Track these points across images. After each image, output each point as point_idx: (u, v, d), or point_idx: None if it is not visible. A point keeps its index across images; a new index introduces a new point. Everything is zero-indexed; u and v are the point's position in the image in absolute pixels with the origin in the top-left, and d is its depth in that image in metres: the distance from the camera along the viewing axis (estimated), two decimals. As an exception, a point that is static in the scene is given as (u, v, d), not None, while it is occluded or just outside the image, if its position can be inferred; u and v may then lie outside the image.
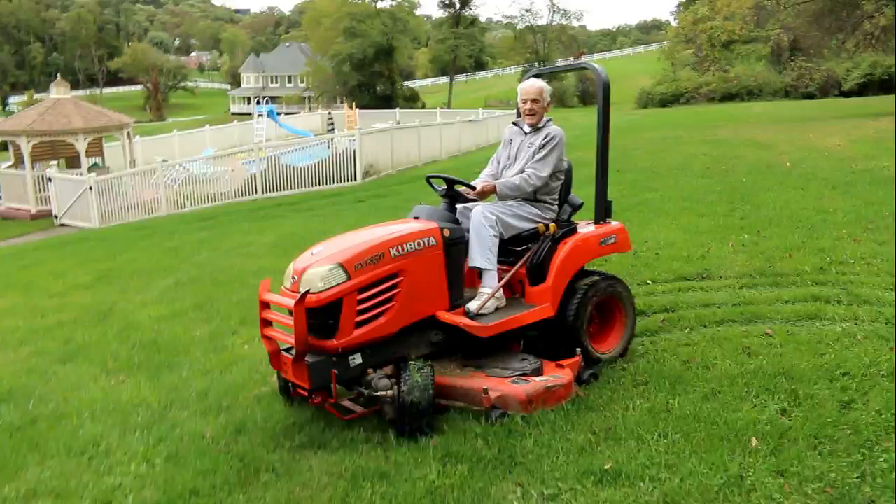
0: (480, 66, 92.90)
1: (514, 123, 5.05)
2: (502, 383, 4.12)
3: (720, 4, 50.73)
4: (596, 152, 4.97)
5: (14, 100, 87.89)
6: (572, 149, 19.11)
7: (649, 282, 6.52)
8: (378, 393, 3.98)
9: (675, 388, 4.22)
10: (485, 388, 4.03)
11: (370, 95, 68.07)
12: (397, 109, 44.89)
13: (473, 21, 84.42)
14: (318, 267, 4.05)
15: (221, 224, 14.64)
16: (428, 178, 4.97)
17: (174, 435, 4.27)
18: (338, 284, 3.98)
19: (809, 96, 54.38)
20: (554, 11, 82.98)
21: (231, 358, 5.63)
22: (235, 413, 4.50)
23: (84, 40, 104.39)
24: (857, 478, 3.18)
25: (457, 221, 4.52)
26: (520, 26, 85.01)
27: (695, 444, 3.55)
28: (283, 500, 3.47)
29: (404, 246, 4.18)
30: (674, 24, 76.34)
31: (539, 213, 4.79)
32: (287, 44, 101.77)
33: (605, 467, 3.40)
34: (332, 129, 36.50)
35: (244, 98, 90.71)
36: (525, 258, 4.63)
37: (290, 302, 3.91)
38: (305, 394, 4.12)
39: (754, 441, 3.52)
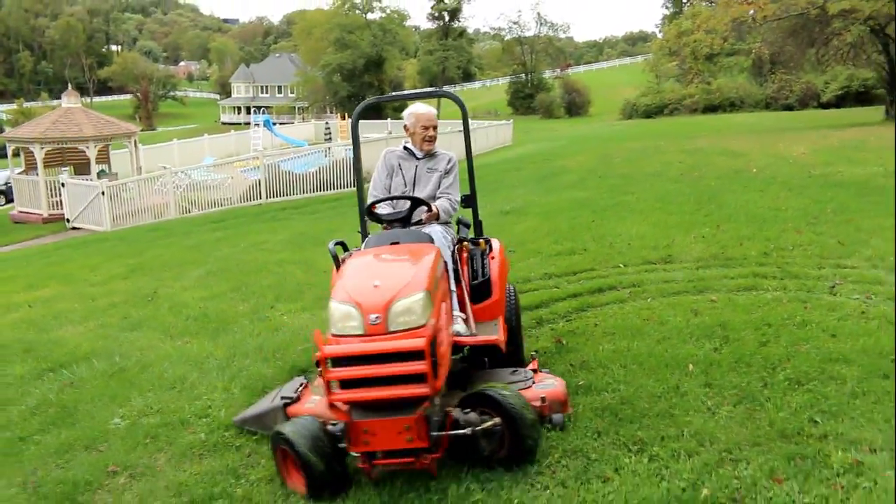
0: (469, 77, 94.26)
1: (405, 148, 4.91)
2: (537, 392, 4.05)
3: (701, 19, 52.24)
4: (468, 174, 5.12)
5: (3, 108, 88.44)
6: (558, 157, 20.52)
7: (621, 265, 7.72)
8: (485, 425, 3.53)
9: (635, 336, 5.41)
10: (542, 396, 3.99)
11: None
12: (388, 120, 46.15)
13: (462, 33, 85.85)
14: (411, 296, 3.47)
15: (233, 226, 15.79)
16: (374, 203, 4.62)
17: (243, 374, 5.42)
18: (431, 314, 3.52)
19: (789, 108, 55.85)
20: (541, 24, 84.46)
21: (274, 325, 6.78)
22: (287, 360, 5.64)
23: (73, 49, 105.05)
24: (762, 385, 4.39)
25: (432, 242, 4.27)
26: (508, 38, 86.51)
27: (646, 369, 4.75)
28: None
29: (439, 269, 3.95)
30: (659, 36, 78.00)
31: (453, 235, 4.76)
32: (277, 54, 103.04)
33: (579, 383, 4.60)
34: (330, 139, 37.74)
35: (235, 108, 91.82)
36: (471, 276, 4.59)
37: (410, 343, 3.33)
38: (404, 461, 3.52)
39: (691, 366, 4.72)
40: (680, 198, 11.69)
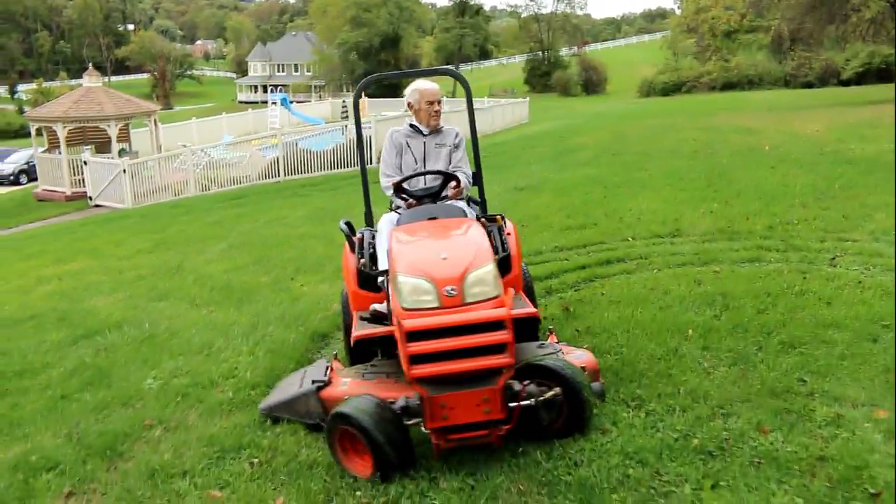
0: (485, 54, 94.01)
1: (411, 126, 4.85)
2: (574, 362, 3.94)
3: (718, -6, 51.82)
4: (473, 153, 4.95)
5: (23, 87, 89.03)
6: (574, 135, 20.68)
7: (630, 238, 7.95)
8: (546, 396, 3.56)
9: (639, 304, 5.66)
10: (582, 366, 3.90)
11: (377, 84, 69.32)
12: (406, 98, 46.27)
13: (478, 10, 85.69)
14: (482, 267, 3.50)
15: (252, 202, 16.11)
16: (406, 179, 4.52)
17: (266, 340, 5.73)
18: (500, 284, 3.56)
19: (809, 85, 55.40)
20: (558, 0, 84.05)
21: (295, 295, 7.11)
22: (309, 327, 5.94)
23: (90, 28, 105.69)
24: (757, 348, 4.64)
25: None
26: (524, 15, 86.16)
27: (648, 334, 5.00)
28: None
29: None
30: (678, 12, 77.46)
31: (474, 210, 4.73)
32: (293, 32, 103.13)
33: (584, 348, 4.86)
34: (346, 117, 37.98)
35: (251, 86, 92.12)
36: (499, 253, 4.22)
37: (494, 313, 3.38)
38: (477, 434, 3.50)
39: (690, 332, 4.98)
40: (692, 174, 11.86)
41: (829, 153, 13.50)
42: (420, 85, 4.82)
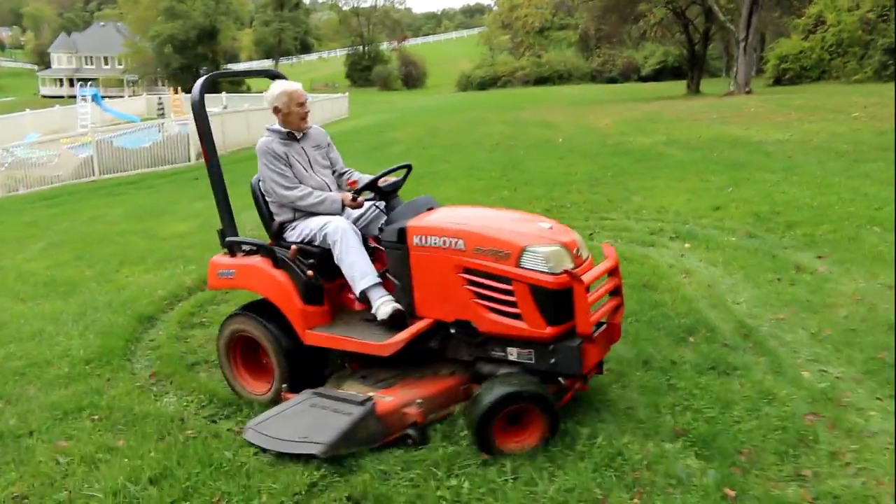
0: (306, 48, 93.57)
1: (281, 133, 4.61)
2: None
3: (529, -6, 54.78)
4: None
5: None
6: (391, 129, 21.85)
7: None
8: None
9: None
10: None
11: (194, 78, 67.07)
12: (223, 94, 45.65)
13: (298, 3, 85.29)
14: (575, 234, 4.04)
15: (67, 202, 15.93)
16: (379, 178, 4.42)
17: (96, 324, 6.27)
18: None
19: (613, 80, 59.88)
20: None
21: (121, 285, 7.60)
22: (136, 311, 6.51)
23: None
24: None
25: None
26: (345, 9, 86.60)
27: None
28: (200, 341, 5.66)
29: None
30: (494, 9, 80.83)
31: None
32: (101, 23, 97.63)
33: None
34: (163, 114, 37.10)
35: (56, 80, 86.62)
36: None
37: (615, 262, 4.06)
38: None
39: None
40: (490, 165, 13.24)
41: (611, 145, 15.39)
42: (286, 87, 4.58)
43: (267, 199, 4.66)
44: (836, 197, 9.01)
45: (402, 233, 4.05)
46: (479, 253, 3.81)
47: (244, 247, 4.66)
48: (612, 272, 4.07)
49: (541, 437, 3.67)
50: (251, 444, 3.85)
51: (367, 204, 4.63)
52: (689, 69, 38.78)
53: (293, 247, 4.36)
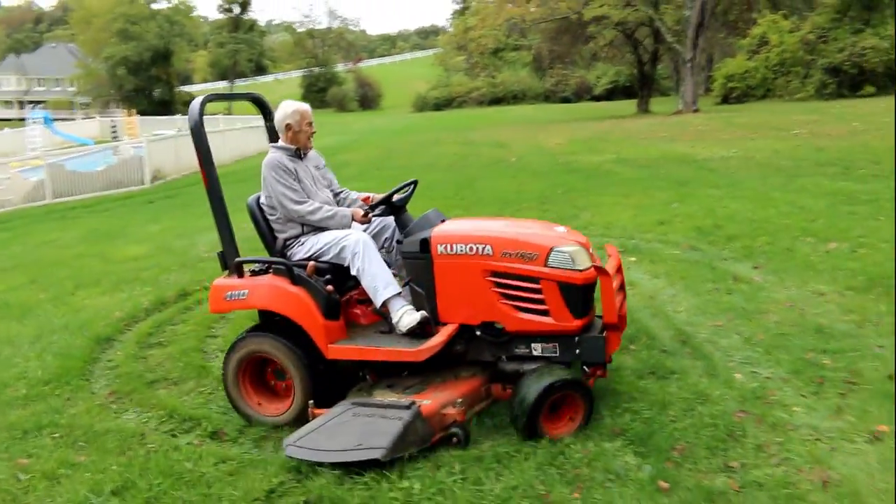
0: (261, 70, 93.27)
1: (290, 150, 4.69)
2: None
3: (482, 16, 55.61)
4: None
5: None
6: (345, 151, 21.99)
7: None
8: None
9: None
10: None
11: (148, 100, 67.01)
12: (178, 116, 45.35)
13: (252, 25, 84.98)
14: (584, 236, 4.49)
15: (18, 226, 15.78)
16: (393, 194, 4.67)
17: (53, 346, 6.31)
18: None
19: (567, 100, 60.77)
20: (332, 18, 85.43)
21: (77, 307, 7.65)
22: (94, 332, 6.57)
23: None
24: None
25: None
26: (300, 30, 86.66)
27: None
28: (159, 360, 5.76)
29: None
30: (449, 30, 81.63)
31: None
32: (52, 44, 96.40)
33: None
34: (117, 137, 36.76)
35: (5, 102, 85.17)
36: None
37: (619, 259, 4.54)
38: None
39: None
40: (444, 185, 13.50)
41: (561, 164, 15.79)
42: (298, 106, 4.70)
43: (269, 215, 4.69)
44: (775, 210, 9.44)
45: (426, 243, 4.25)
46: (506, 256, 4.11)
47: (253, 266, 4.65)
48: (618, 269, 4.45)
49: (581, 421, 4.01)
50: (295, 460, 3.83)
51: (375, 220, 4.78)
52: (640, 89, 39.72)
53: (311, 263, 4.44)
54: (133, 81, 67.62)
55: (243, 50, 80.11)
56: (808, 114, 24.56)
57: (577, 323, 4.10)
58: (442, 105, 64.32)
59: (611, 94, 59.01)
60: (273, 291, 4.41)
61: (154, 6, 72.43)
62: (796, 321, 5.53)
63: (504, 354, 4.30)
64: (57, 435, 4.55)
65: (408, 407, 3.92)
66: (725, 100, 38.63)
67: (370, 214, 4.58)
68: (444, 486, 3.56)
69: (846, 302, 5.89)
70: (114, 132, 39.87)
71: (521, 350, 4.25)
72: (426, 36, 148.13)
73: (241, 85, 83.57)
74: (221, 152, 27.66)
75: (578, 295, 4.09)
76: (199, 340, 6.19)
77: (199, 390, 5.13)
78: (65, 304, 7.88)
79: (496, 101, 63.57)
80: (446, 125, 35.79)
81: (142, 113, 49.30)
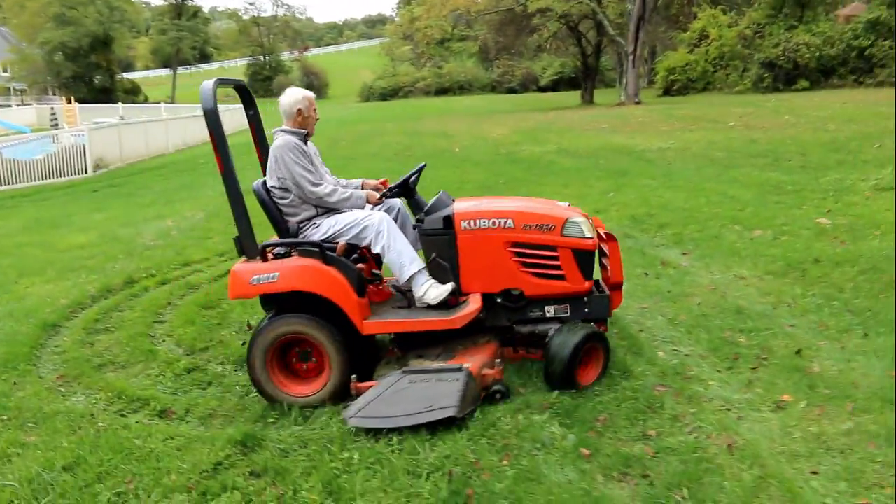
0: (205, 57, 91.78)
1: (294, 133, 4.83)
2: None
3: (427, 6, 55.70)
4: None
5: None
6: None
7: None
8: None
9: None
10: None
11: (87, 88, 65.29)
12: (119, 105, 44.45)
13: (196, 12, 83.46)
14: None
15: (-47, 216, 15.44)
16: (410, 177, 4.95)
17: (4, 330, 6.37)
18: None
19: (513, 91, 61.27)
20: (277, 5, 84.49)
21: (21, 295, 7.65)
22: (40, 319, 6.62)
23: None
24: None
25: None
26: (245, 18, 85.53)
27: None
28: (107, 344, 5.86)
29: None
30: (396, 20, 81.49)
31: None
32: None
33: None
34: (56, 125, 35.89)
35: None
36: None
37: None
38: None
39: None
40: (388, 174, 13.23)
41: (504, 154, 16.11)
42: (306, 92, 4.91)
43: (280, 199, 4.76)
44: (706, 200, 9.89)
45: (449, 220, 4.58)
46: (527, 229, 4.57)
47: (278, 249, 4.71)
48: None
49: (602, 369, 4.59)
50: (362, 430, 4.04)
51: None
52: (583, 80, 40.37)
53: (341, 243, 4.64)
54: (71, 68, 65.78)
55: (186, 37, 78.59)
56: (745, 106, 25.36)
57: (587, 284, 4.65)
58: (388, 95, 64.31)
59: (556, 86, 59.77)
60: (307, 272, 4.46)
61: (93, -10, 70.49)
62: (717, 303, 5.91)
63: (519, 318, 4.71)
64: (5, 417, 4.65)
65: (460, 369, 4.25)
66: (667, 92, 39.53)
67: (384, 197, 4.89)
68: (382, 455, 3.80)
69: (764, 285, 6.30)
70: (53, 120, 38.88)
71: (536, 313, 4.70)
72: (373, 25, 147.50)
73: (185, 73, 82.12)
74: (163, 141, 27.44)
75: (589, 259, 4.63)
76: (147, 326, 6.32)
77: (146, 373, 5.28)
78: (8, 292, 7.88)
79: (443, 91, 63.83)
80: (392, 115, 35.88)
81: (81, 101, 48.08)
